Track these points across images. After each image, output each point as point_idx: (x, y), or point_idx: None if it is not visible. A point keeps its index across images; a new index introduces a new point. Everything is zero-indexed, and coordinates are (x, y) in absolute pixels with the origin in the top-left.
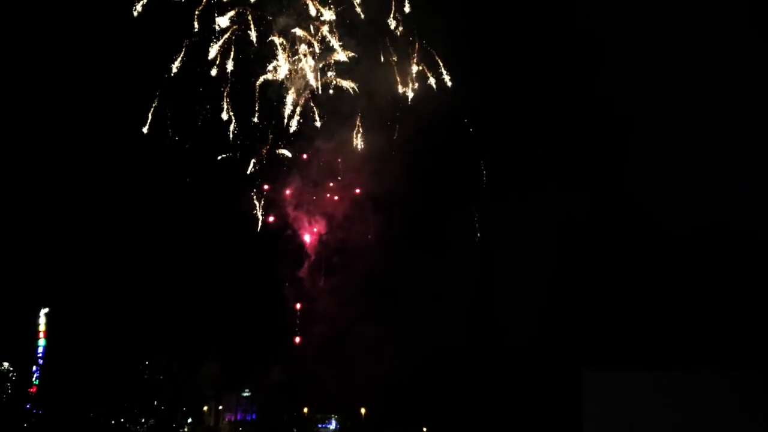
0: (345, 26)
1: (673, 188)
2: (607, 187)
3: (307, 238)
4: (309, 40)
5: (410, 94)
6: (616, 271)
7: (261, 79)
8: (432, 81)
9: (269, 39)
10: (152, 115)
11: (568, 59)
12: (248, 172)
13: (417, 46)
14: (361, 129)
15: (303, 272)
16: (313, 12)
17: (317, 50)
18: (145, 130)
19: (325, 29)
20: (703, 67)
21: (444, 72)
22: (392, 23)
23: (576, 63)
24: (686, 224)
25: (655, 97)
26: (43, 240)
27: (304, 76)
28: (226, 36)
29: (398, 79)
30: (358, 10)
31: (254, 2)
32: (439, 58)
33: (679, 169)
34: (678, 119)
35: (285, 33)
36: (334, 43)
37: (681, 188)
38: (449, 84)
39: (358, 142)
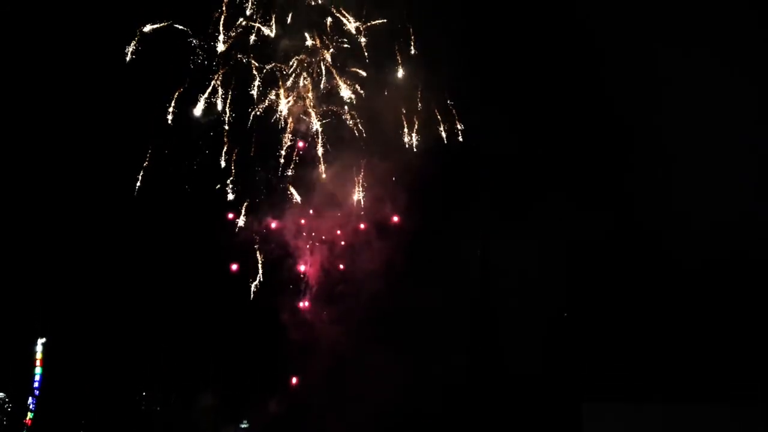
0: (349, 55)
1: (680, 213)
2: (616, 214)
3: (307, 266)
4: (309, 68)
5: (415, 143)
6: (618, 302)
7: (266, 98)
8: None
9: (268, 66)
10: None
11: (573, 70)
12: (245, 205)
13: (420, 94)
14: (363, 174)
15: (303, 302)
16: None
17: (318, 76)
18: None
19: (327, 57)
20: (716, 81)
21: (454, 116)
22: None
23: (581, 73)
24: (695, 254)
25: (667, 116)
26: (40, 271)
27: (304, 106)
28: (223, 71)
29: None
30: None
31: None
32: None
33: (693, 195)
34: (692, 139)
35: (285, 59)
36: (339, 82)
37: (690, 213)
38: (460, 130)
39: (360, 190)
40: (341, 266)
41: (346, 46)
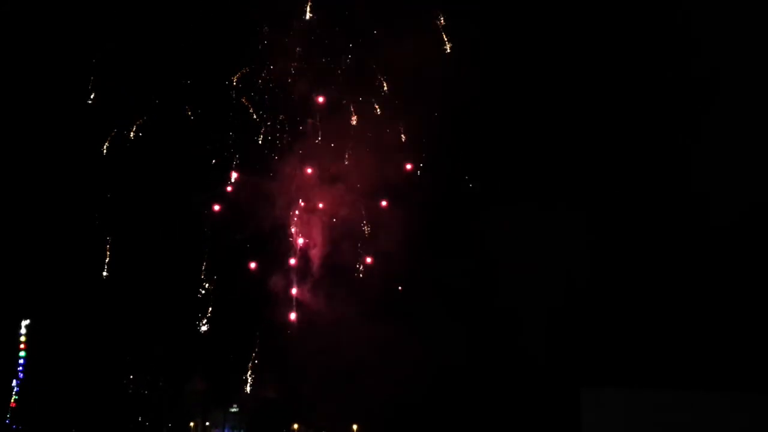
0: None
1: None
2: (616, 210)
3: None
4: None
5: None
6: (619, 289)
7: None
8: None
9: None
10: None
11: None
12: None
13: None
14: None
15: (296, 278)
16: None
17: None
18: None
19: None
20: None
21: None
22: None
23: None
24: (702, 243)
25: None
26: (24, 251)
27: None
28: None
29: None
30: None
31: None
32: None
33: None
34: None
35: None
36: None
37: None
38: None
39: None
40: (340, 243)
41: None
